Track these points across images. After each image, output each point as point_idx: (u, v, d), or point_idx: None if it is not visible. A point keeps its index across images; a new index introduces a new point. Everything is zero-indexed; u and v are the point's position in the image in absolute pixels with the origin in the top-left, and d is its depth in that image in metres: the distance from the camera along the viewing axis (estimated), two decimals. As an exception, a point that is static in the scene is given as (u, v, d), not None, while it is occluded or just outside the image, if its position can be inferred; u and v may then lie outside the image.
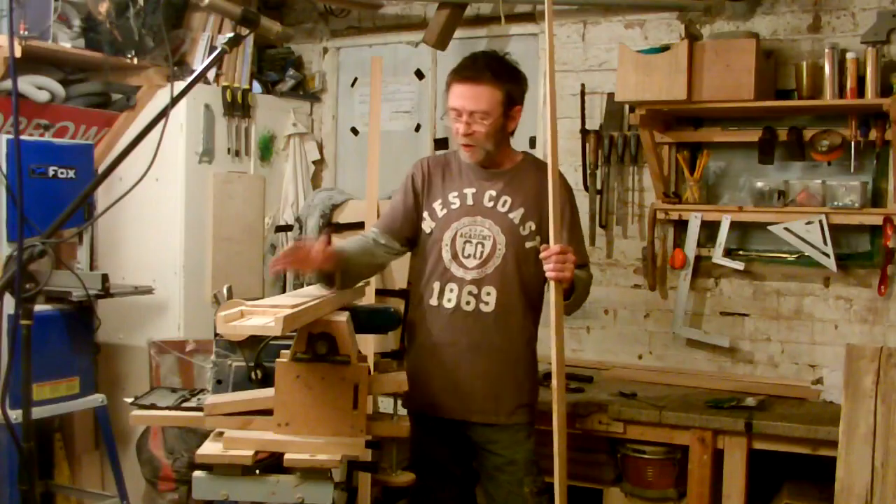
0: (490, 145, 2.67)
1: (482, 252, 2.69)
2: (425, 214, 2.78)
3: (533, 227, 2.69)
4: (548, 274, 2.45)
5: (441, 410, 2.75)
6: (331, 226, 4.02)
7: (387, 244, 2.79)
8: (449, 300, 2.71)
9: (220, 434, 2.20)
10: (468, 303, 2.69)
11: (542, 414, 2.77)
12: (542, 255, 2.46)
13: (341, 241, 2.75)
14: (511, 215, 2.70)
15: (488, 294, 2.68)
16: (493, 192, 2.72)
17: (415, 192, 2.81)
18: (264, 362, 2.39)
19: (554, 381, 2.40)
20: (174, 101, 2.07)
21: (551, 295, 2.45)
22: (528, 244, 2.68)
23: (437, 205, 2.76)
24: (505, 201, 2.71)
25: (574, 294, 2.58)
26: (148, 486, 3.80)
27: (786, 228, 3.51)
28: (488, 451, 2.75)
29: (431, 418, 2.75)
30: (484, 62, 2.67)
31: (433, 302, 2.73)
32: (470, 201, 2.72)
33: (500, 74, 2.64)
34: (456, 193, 2.74)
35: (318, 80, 4.68)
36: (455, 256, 2.71)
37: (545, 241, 2.58)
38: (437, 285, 2.72)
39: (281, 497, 2.14)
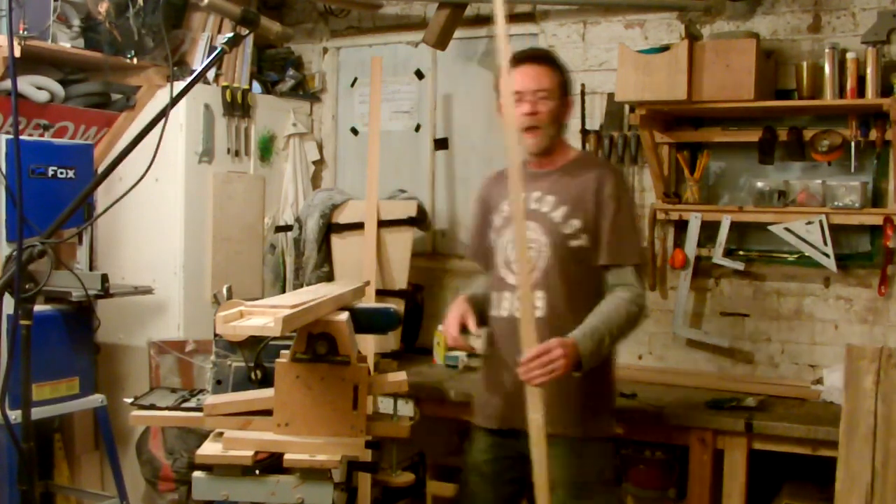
0: (552, 130, 2.64)
1: (534, 256, 2.61)
2: (490, 230, 2.78)
3: (578, 225, 2.58)
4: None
5: (499, 421, 2.69)
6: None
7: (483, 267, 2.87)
8: (505, 308, 2.67)
9: (220, 434, 2.20)
10: (518, 309, 2.54)
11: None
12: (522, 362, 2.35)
13: (474, 289, 2.83)
14: (553, 215, 2.61)
15: (537, 299, 2.58)
16: (538, 194, 2.64)
17: (482, 213, 2.84)
18: (264, 362, 2.39)
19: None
20: (174, 101, 2.07)
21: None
22: (574, 243, 2.58)
23: (495, 216, 2.76)
24: (548, 201, 2.62)
25: (587, 358, 2.41)
26: (148, 486, 3.80)
27: (786, 228, 3.50)
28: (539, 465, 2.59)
29: (492, 430, 2.71)
30: (540, 50, 2.77)
31: (494, 312, 2.70)
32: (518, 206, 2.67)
33: (556, 61, 2.70)
34: (507, 201, 2.66)
35: (318, 80, 4.68)
36: (507, 264, 2.66)
37: (593, 239, 2.57)
38: (496, 295, 2.70)
39: (281, 497, 2.14)
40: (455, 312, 2.64)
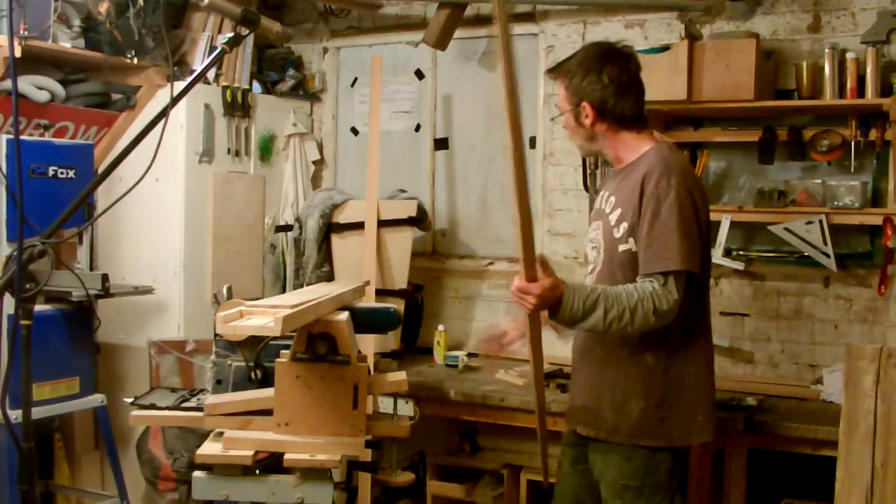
0: (580, 139, 2.55)
1: (595, 256, 2.54)
2: None
3: (626, 228, 2.40)
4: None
5: (567, 421, 2.67)
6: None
7: None
8: None
9: (220, 434, 2.20)
10: None
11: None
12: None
13: None
14: (610, 216, 2.47)
15: None
16: (607, 193, 2.53)
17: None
18: (264, 362, 2.38)
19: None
20: (174, 101, 2.07)
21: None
22: (622, 247, 2.41)
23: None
24: (611, 202, 2.49)
25: (566, 305, 2.29)
26: (148, 486, 3.81)
27: (786, 228, 3.50)
28: (591, 463, 2.57)
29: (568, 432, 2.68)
30: (554, 65, 2.62)
31: None
32: (597, 205, 2.62)
33: (560, 70, 2.54)
34: (597, 198, 2.64)
35: (318, 80, 4.69)
36: (585, 264, 2.64)
37: (636, 242, 2.38)
38: None
39: (281, 497, 2.14)
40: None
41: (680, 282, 2.31)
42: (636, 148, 2.49)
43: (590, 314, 2.28)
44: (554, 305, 2.28)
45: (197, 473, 2.17)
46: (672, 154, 2.47)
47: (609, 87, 2.46)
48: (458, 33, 4.15)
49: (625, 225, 2.41)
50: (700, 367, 2.50)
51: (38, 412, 3.13)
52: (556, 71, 2.57)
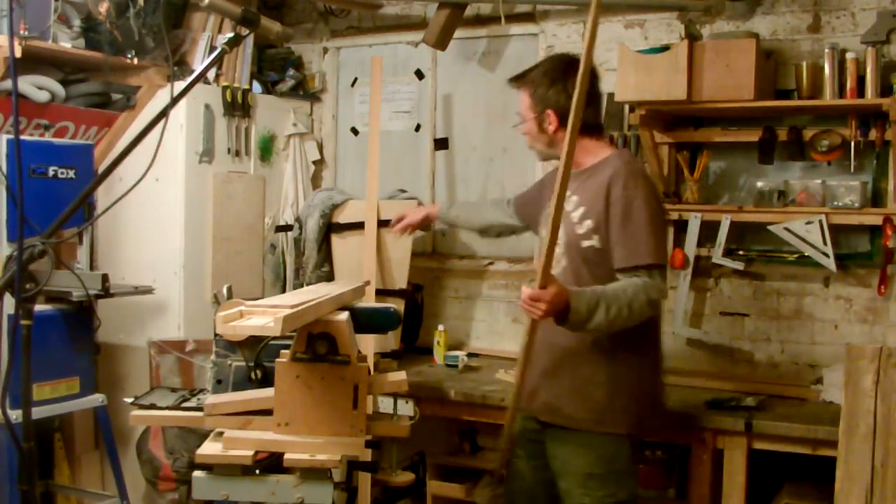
0: (539, 145, 2.76)
1: (556, 254, 2.62)
2: (539, 213, 2.90)
3: (591, 225, 2.58)
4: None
5: (526, 409, 2.74)
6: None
7: (511, 209, 3.15)
8: None
9: (220, 434, 2.20)
10: None
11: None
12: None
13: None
14: (573, 214, 2.62)
15: None
16: (569, 192, 2.63)
17: (540, 190, 2.98)
18: (264, 362, 2.39)
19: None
20: (174, 101, 2.07)
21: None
22: (585, 243, 2.58)
23: (542, 216, 2.81)
24: (573, 201, 2.63)
25: (575, 311, 2.39)
26: (148, 486, 3.81)
27: (786, 228, 3.50)
28: (550, 454, 2.69)
29: (524, 418, 2.77)
30: (518, 73, 2.80)
31: None
32: (551, 207, 2.68)
33: (524, 78, 2.74)
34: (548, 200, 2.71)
35: (318, 80, 4.69)
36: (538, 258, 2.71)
37: (604, 240, 2.54)
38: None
39: (281, 497, 2.14)
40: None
41: (662, 273, 2.53)
42: (596, 153, 2.68)
43: (594, 315, 2.40)
44: (561, 311, 2.38)
45: (197, 473, 2.17)
46: (633, 160, 2.76)
47: (555, 97, 2.66)
48: (458, 33, 4.15)
49: (589, 223, 2.57)
50: (655, 357, 2.72)
51: (38, 412, 3.13)
52: (519, 80, 2.76)
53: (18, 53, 3.23)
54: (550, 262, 2.38)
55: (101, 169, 3.77)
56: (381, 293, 3.93)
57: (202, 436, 2.33)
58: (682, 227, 3.76)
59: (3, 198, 3.30)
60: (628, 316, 2.42)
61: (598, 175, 2.61)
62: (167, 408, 2.43)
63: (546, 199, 2.70)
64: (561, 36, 4.10)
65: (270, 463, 2.17)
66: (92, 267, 3.80)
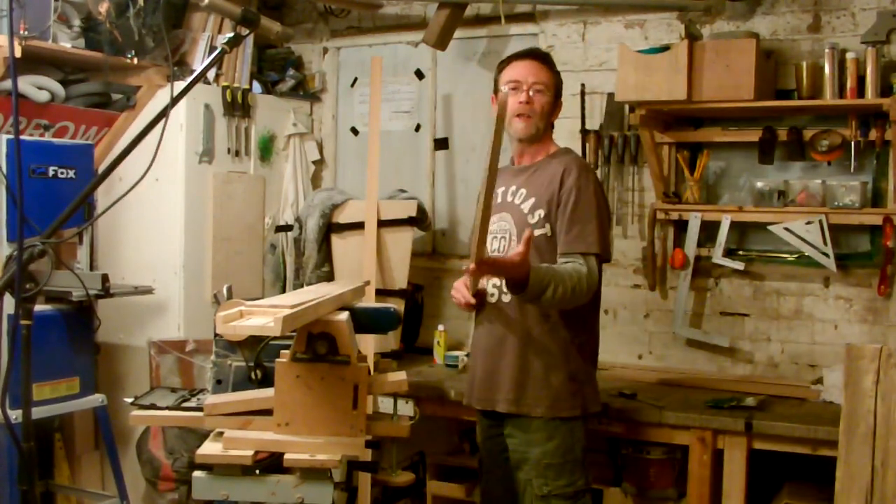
0: (542, 123, 2.80)
1: (504, 245, 2.79)
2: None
3: (542, 215, 2.73)
4: None
5: (480, 402, 2.87)
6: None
7: None
8: (491, 294, 2.82)
9: (220, 434, 2.20)
10: (492, 294, 2.81)
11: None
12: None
13: None
14: (523, 206, 2.77)
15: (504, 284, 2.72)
16: (515, 187, 2.82)
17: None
18: (264, 362, 2.39)
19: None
20: (174, 101, 2.07)
21: None
22: (538, 232, 2.70)
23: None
24: (521, 193, 2.79)
25: (532, 285, 2.50)
26: (148, 486, 3.81)
27: (786, 228, 3.50)
28: (509, 445, 2.81)
29: (478, 411, 2.91)
30: (540, 50, 3.00)
31: (487, 299, 2.85)
32: (499, 199, 2.81)
33: (553, 63, 2.88)
34: (496, 194, 2.79)
35: (318, 80, 4.69)
36: (491, 253, 2.78)
37: (553, 228, 2.70)
38: (485, 281, 2.83)
39: (281, 497, 2.14)
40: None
41: (599, 264, 2.70)
42: (547, 148, 2.86)
43: (545, 290, 2.52)
44: (519, 282, 2.49)
45: (197, 473, 2.17)
46: (579, 157, 2.93)
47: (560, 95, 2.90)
48: (458, 33, 4.16)
49: (540, 212, 2.73)
50: (595, 341, 2.90)
51: (38, 412, 3.12)
52: (549, 62, 2.88)
53: (18, 53, 3.23)
54: (484, 239, 2.44)
55: (101, 169, 3.77)
56: (381, 293, 3.93)
57: (202, 436, 2.33)
58: (682, 227, 3.77)
59: (3, 198, 3.30)
60: (569, 300, 2.58)
61: (549, 168, 2.78)
62: (167, 408, 2.42)
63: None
64: (561, 36, 4.10)
65: (270, 463, 2.17)
66: (92, 267, 3.80)
